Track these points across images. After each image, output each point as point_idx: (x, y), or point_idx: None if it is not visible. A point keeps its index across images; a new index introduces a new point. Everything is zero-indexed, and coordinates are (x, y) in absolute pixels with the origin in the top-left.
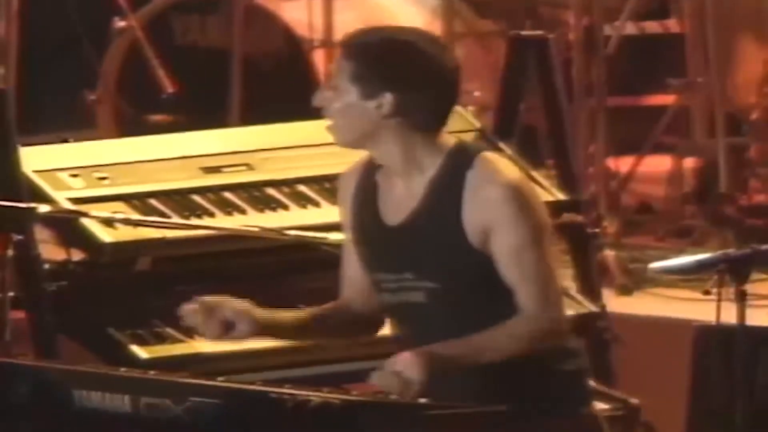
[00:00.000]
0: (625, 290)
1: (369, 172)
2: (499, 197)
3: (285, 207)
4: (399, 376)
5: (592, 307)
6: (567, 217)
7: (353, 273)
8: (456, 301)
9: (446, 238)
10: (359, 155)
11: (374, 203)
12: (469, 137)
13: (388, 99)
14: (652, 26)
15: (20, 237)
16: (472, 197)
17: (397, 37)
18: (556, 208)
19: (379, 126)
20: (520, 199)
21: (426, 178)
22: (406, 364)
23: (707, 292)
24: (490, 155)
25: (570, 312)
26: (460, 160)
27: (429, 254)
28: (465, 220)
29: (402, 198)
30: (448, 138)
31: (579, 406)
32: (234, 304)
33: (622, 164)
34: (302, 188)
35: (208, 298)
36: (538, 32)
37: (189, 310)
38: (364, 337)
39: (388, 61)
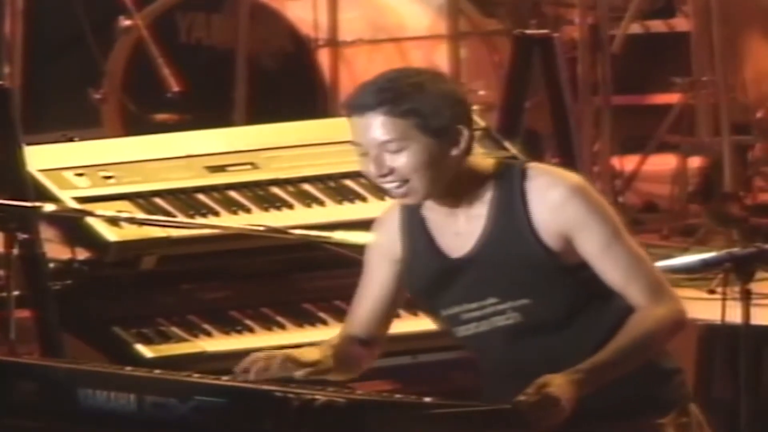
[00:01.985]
0: None
1: (412, 208)
2: (566, 199)
3: (290, 206)
4: (551, 401)
5: None
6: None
7: (372, 305)
8: (552, 313)
9: (525, 253)
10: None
11: (430, 240)
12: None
13: (464, 131)
14: (657, 25)
15: (25, 236)
16: (539, 205)
17: (418, 73)
18: None
19: (455, 163)
20: (586, 196)
21: (484, 202)
22: (561, 388)
23: (712, 291)
24: (537, 164)
25: None
26: (511, 175)
27: (511, 274)
28: (539, 229)
29: (462, 228)
30: (483, 159)
31: (686, 402)
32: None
33: (627, 163)
34: (307, 187)
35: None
36: (543, 31)
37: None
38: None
39: (444, 99)
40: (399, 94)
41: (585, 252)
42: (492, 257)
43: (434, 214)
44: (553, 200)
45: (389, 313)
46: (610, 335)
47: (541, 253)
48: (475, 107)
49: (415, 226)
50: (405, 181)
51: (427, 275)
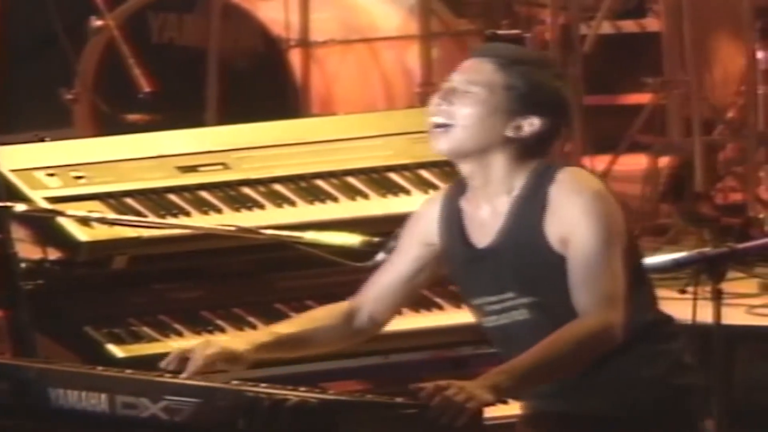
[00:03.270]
0: None
1: (452, 199)
2: (577, 206)
3: (261, 206)
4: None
5: None
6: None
7: (393, 279)
8: (560, 312)
9: (535, 252)
10: (335, 156)
11: (462, 228)
12: None
13: (534, 123)
14: (629, 25)
15: None
16: (553, 210)
17: (547, 63)
18: None
19: (499, 144)
20: (596, 206)
21: (511, 197)
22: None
23: (683, 291)
24: (571, 169)
25: None
26: (543, 177)
27: (522, 270)
28: (547, 232)
29: (488, 219)
30: (531, 162)
31: (693, 421)
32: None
33: (598, 163)
34: (278, 187)
35: (186, 349)
36: (515, 31)
37: (169, 361)
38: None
39: (548, 90)
40: (519, 59)
41: (568, 255)
42: (508, 252)
43: (469, 205)
44: (565, 207)
45: (404, 294)
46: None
47: (548, 254)
48: None
49: (452, 214)
50: (449, 125)
51: (457, 262)
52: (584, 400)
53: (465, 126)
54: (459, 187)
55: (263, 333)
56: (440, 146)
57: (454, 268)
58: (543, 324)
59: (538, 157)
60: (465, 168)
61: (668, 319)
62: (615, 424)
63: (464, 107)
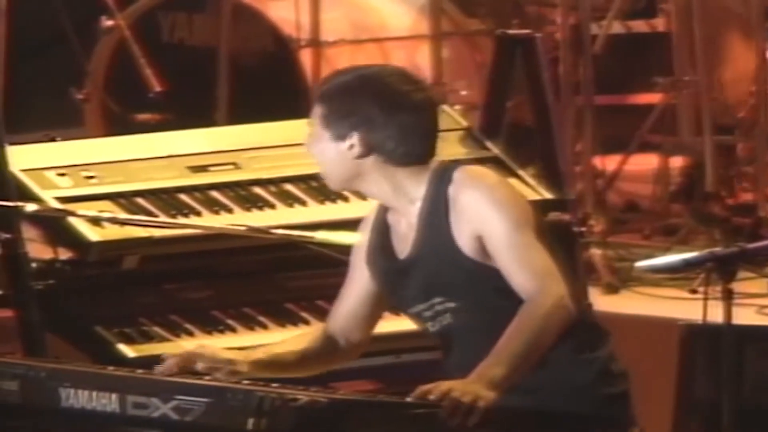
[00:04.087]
0: (612, 289)
1: (382, 213)
2: (478, 200)
3: (272, 206)
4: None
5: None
6: (553, 215)
7: (352, 304)
8: (480, 316)
9: (447, 258)
10: None
11: (388, 241)
12: (456, 136)
13: (355, 139)
14: (639, 25)
15: (8, 236)
16: (454, 211)
17: (358, 76)
18: (542, 207)
19: (358, 166)
20: (495, 196)
21: (416, 206)
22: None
23: (694, 291)
24: (467, 168)
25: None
26: (441, 180)
27: (440, 277)
28: (456, 236)
29: (406, 231)
30: (433, 163)
31: (622, 430)
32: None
33: (609, 163)
34: (289, 187)
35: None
36: (525, 31)
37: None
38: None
39: (348, 102)
40: (332, 85)
41: (489, 250)
42: (425, 260)
43: (391, 217)
44: (464, 204)
45: (369, 314)
46: None
47: (461, 259)
48: (457, 107)
49: (382, 230)
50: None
51: (383, 274)
52: (518, 395)
53: (321, 163)
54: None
55: (260, 351)
56: (331, 188)
57: (385, 281)
58: (472, 326)
59: (413, 162)
60: (365, 193)
61: (594, 324)
62: (548, 424)
63: (312, 149)
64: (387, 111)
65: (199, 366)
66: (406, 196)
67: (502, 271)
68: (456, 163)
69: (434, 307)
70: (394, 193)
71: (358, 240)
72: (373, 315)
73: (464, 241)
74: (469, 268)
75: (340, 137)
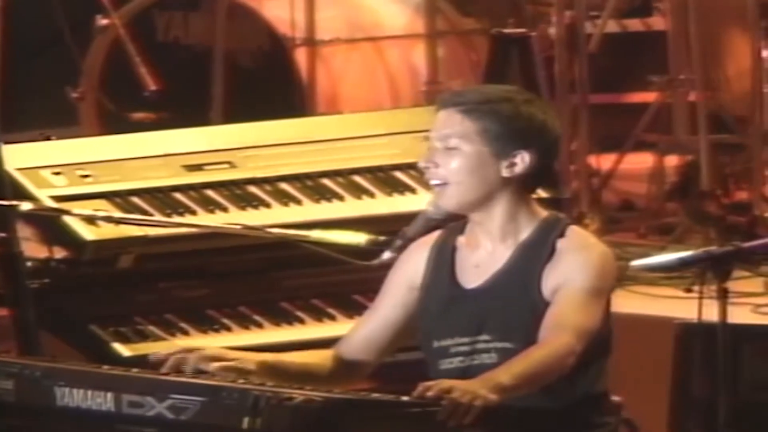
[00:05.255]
0: None
1: (447, 239)
2: (580, 260)
3: (267, 205)
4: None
5: None
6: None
7: (373, 330)
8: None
9: (523, 299)
10: (341, 155)
11: (452, 266)
12: None
13: (524, 157)
14: (634, 24)
15: (3, 234)
16: (557, 261)
17: (513, 95)
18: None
19: (502, 186)
20: (598, 263)
21: (518, 241)
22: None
23: (689, 290)
24: (580, 229)
25: None
26: (554, 228)
27: (508, 315)
28: (543, 280)
29: (484, 261)
30: (536, 205)
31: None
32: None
33: (604, 161)
34: (284, 186)
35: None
36: (521, 30)
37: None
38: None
39: (524, 121)
40: (481, 100)
41: (557, 293)
42: (497, 294)
43: (465, 245)
44: (571, 260)
45: (387, 343)
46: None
47: (537, 300)
48: None
49: (444, 254)
50: (444, 183)
51: (436, 301)
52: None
53: (458, 182)
54: (458, 226)
55: (269, 354)
56: (444, 205)
57: (431, 306)
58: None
59: (534, 191)
60: (474, 216)
61: (607, 393)
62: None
63: (449, 164)
64: (550, 135)
65: (212, 366)
66: (515, 227)
67: (546, 314)
68: (567, 218)
69: (477, 343)
70: (507, 220)
71: (400, 261)
72: (390, 345)
73: (548, 287)
74: (540, 312)
75: (504, 154)
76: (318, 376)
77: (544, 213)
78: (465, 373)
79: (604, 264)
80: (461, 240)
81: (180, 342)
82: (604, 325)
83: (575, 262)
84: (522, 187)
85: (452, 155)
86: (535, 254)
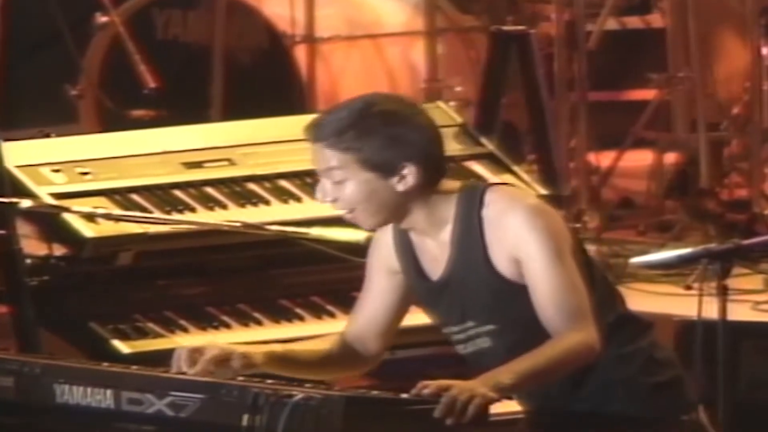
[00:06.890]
0: None
1: (399, 231)
2: (516, 225)
3: (266, 202)
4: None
5: None
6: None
7: (369, 314)
8: (518, 338)
9: (484, 280)
10: None
11: (415, 260)
12: (450, 132)
13: (411, 168)
14: (633, 21)
15: (2, 232)
16: (493, 234)
17: (363, 108)
18: None
19: (405, 197)
20: (536, 220)
21: (449, 227)
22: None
23: (689, 287)
24: (497, 189)
25: None
26: (471, 202)
27: (476, 300)
28: (493, 257)
29: (436, 252)
30: (452, 184)
31: (678, 414)
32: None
33: (603, 159)
34: (284, 183)
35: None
36: (520, 27)
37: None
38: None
39: (392, 138)
40: (343, 129)
41: (525, 272)
42: (459, 283)
43: (416, 237)
44: (504, 227)
45: (387, 324)
46: None
47: (497, 280)
48: (451, 103)
49: (404, 246)
50: (351, 210)
51: (418, 294)
52: (570, 402)
53: (362, 209)
54: None
55: (277, 345)
56: (364, 228)
57: (418, 299)
58: (508, 348)
59: (439, 183)
60: (401, 225)
61: (633, 317)
62: (603, 422)
63: (344, 195)
64: (420, 132)
65: (235, 365)
66: (438, 219)
67: (534, 302)
68: (482, 184)
69: (467, 330)
70: (427, 219)
71: (371, 253)
72: (391, 325)
73: (502, 263)
74: (507, 289)
75: (389, 172)
76: (336, 363)
77: (457, 188)
78: (473, 359)
79: (540, 219)
80: (410, 233)
81: (179, 339)
82: (579, 255)
83: (511, 230)
84: (425, 187)
85: (343, 187)
86: (468, 233)
